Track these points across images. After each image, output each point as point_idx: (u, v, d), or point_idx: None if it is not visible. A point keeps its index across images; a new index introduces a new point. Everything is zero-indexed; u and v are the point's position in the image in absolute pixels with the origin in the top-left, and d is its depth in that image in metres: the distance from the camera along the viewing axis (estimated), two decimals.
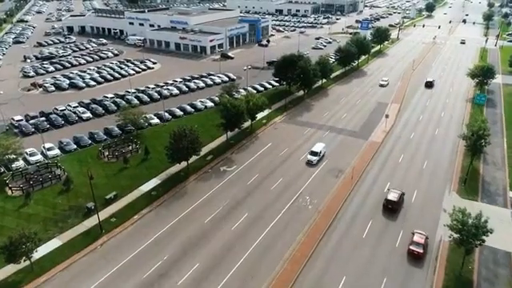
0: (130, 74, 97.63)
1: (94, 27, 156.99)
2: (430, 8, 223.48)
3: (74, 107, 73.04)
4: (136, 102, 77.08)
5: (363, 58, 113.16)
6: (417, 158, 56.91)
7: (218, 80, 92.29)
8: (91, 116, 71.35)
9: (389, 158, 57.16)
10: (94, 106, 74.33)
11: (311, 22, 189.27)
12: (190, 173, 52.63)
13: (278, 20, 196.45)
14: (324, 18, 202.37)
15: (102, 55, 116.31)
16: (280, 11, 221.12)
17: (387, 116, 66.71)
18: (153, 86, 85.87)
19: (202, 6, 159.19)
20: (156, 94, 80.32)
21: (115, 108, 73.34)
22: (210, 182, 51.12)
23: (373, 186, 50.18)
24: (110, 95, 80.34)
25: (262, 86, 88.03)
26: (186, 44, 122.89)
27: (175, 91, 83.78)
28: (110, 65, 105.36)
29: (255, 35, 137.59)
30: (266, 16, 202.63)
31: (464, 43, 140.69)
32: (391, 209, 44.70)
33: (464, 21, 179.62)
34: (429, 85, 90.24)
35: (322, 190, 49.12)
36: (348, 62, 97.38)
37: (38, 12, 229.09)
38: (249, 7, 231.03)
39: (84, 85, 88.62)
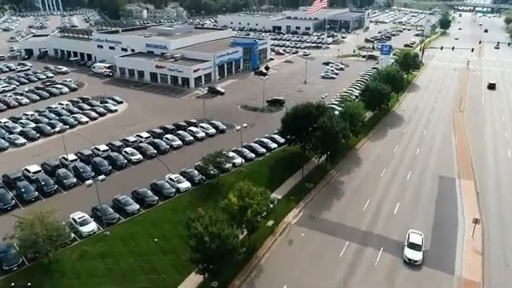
0: (79, 122, 71.12)
1: (58, 50, 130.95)
2: (444, 24, 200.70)
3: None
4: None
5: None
6: None
7: (200, 133, 65.83)
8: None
9: None
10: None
11: (315, 42, 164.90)
12: None
13: (276, 39, 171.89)
14: (328, 36, 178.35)
15: (54, 90, 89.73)
16: (278, 28, 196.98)
17: (476, 221, 40.26)
18: (104, 148, 59.04)
19: (186, 26, 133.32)
20: (105, 165, 53.75)
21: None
22: None
23: None
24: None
25: (262, 144, 61.62)
26: (163, 74, 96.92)
27: (135, 157, 57.06)
28: (60, 106, 78.87)
29: (251, 61, 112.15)
30: (264, 35, 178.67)
31: (493, 88, 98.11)
32: None
33: (498, 43, 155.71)
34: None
35: None
36: (379, 105, 71.68)
37: (5, 29, 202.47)
38: (243, 24, 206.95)
39: (6, 144, 61.73)
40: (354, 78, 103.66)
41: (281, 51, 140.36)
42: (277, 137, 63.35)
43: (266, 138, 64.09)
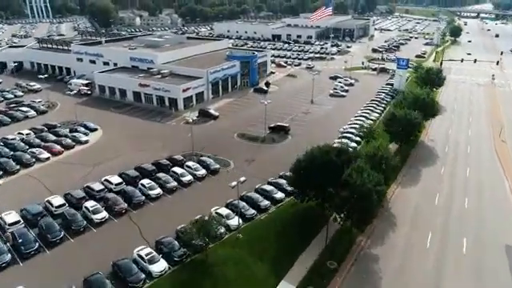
0: (38, 160, 57.43)
1: (34, 63, 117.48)
2: (455, 33, 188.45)
3: None
4: None
5: None
6: None
7: (186, 177, 52.03)
8: None
9: None
10: None
11: (318, 51, 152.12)
12: None
13: (275, 48, 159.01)
14: (332, 46, 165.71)
15: (17, 114, 76.03)
16: (278, 37, 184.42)
17: None
18: (59, 203, 45.08)
19: (177, 36, 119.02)
20: (55, 230, 40.04)
21: None
22: None
23: None
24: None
25: (264, 193, 47.98)
26: (148, 94, 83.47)
27: (98, 215, 43.21)
28: (19, 137, 65.13)
29: (249, 76, 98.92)
30: (263, 44, 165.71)
31: None
32: None
33: None
34: None
35: None
36: (407, 137, 58.17)
37: None
38: (240, 32, 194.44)
39: None
40: (367, 96, 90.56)
41: (282, 63, 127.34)
42: (282, 181, 49.85)
43: (270, 182, 50.51)
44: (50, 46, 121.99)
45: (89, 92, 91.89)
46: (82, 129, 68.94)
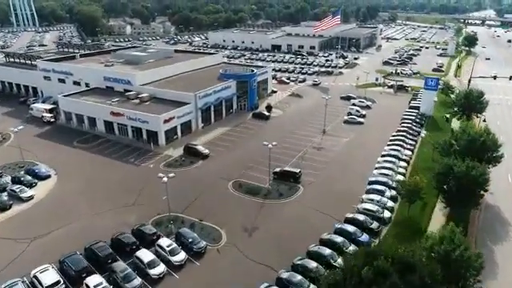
0: None
1: None
2: (470, 42, 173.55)
3: None
4: None
5: None
6: None
7: (157, 267, 35.62)
8: None
9: None
10: None
11: (323, 64, 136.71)
12: None
13: (275, 60, 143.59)
14: (338, 57, 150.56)
15: None
16: (278, 47, 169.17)
17: None
18: None
19: (163, 51, 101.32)
20: None
21: None
22: None
23: None
24: None
25: None
26: (122, 125, 67.25)
27: None
28: None
29: (247, 99, 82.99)
30: (261, 55, 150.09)
31: None
32: None
33: None
34: None
35: None
36: (469, 200, 41.78)
37: None
38: (237, 42, 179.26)
39: None
40: (389, 123, 74.84)
41: (284, 79, 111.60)
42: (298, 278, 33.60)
43: (281, 279, 34.17)
44: (18, 60, 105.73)
45: (52, 119, 75.66)
46: (29, 177, 52.50)
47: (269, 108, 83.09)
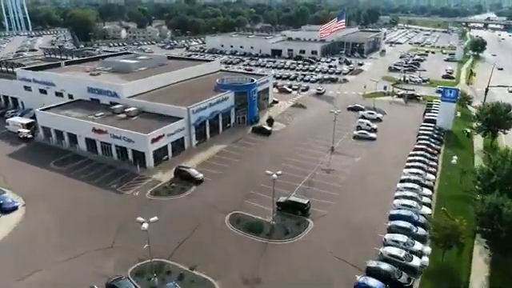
0: None
1: None
2: (478, 47, 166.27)
3: None
4: None
5: None
6: None
7: None
8: None
9: None
10: None
11: (326, 71, 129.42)
12: None
13: (275, 66, 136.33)
14: (341, 63, 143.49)
15: None
16: (278, 52, 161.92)
17: None
18: None
19: (156, 57, 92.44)
20: None
21: None
22: None
23: None
24: None
25: None
26: (106, 143, 59.59)
27: None
28: None
29: (247, 111, 75.46)
30: (261, 61, 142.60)
31: None
32: None
33: None
34: None
35: None
36: None
37: None
38: (235, 46, 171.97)
39: None
40: (404, 139, 67.69)
41: (286, 88, 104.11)
42: None
43: None
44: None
45: (30, 136, 67.97)
46: None
47: (270, 121, 75.60)
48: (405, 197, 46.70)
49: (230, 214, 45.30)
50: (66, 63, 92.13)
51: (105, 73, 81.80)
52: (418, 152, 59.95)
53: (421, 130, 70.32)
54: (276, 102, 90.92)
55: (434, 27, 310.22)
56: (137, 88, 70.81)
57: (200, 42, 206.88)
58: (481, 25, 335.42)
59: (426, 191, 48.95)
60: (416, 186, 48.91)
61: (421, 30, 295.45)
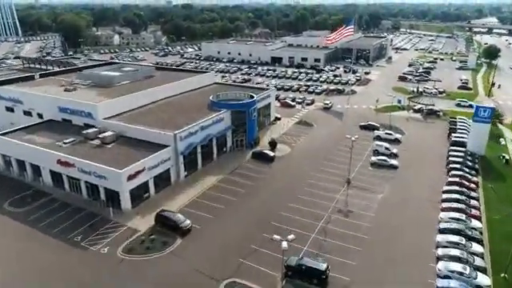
0: None
1: None
2: (491, 54, 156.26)
3: None
4: None
5: None
6: None
7: None
8: None
9: None
10: None
11: (331, 80, 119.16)
12: None
13: (276, 75, 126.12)
14: (346, 71, 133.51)
15: None
16: (278, 60, 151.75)
17: None
18: None
19: (142, 69, 79.70)
20: None
21: None
22: None
23: None
24: None
25: None
26: (73, 179, 48.81)
27: None
28: None
29: (246, 133, 64.82)
30: (260, 69, 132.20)
31: None
32: None
33: None
34: None
35: None
36: None
37: None
38: (233, 53, 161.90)
39: None
40: (432, 167, 57.58)
41: (289, 101, 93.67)
42: None
43: None
44: None
45: None
46: None
47: (273, 144, 65.00)
48: (450, 257, 36.11)
49: (225, 284, 34.56)
50: (41, 75, 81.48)
51: (83, 87, 71.14)
52: (453, 187, 49.41)
53: (450, 155, 59.78)
54: (278, 119, 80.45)
55: (437, 32, 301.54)
56: (116, 107, 60.10)
57: (196, 48, 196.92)
58: (483, 29, 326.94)
59: (476, 247, 38.33)
60: (462, 241, 38.29)
61: (424, 35, 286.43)
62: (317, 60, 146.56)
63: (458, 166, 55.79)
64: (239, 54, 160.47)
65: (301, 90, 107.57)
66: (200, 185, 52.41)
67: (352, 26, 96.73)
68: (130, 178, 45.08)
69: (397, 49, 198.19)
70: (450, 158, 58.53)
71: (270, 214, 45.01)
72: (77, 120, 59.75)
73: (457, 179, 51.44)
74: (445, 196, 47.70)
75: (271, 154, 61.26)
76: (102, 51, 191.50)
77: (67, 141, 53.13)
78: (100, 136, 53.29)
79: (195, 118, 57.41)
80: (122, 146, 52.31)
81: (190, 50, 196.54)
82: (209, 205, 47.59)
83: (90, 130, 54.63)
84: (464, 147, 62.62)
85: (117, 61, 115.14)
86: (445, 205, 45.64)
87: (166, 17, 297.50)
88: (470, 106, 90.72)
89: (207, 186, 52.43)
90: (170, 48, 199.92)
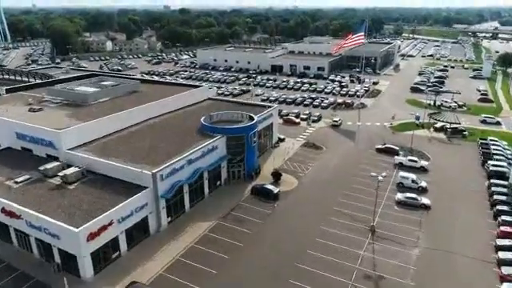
0: None
1: None
2: (507, 61, 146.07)
3: None
4: None
5: None
6: None
7: None
8: None
9: None
10: None
11: (338, 92, 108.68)
12: None
13: (277, 86, 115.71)
14: (352, 81, 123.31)
15: None
16: (279, 68, 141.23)
17: None
18: None
19: (121, 85, 66.62)
20: None
21: None
22: None
23: None
24: None
25: None
26: (22, 233, 37.83)
27: None
28: None
29: (244, 162, 53.95)
30: (259, 78, 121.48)
31: None
32: None
33: None
34: None
35: None
36: None
37: None
38: (230, 61, 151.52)
39: None
40: (470, 205, 47.03)
41: (293, 118, 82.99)
42: None
43: None
44: None
45: None
46: None
47: (276, 175, 54.22)
48: None
49: None
50: (8, 90, 70.57)
51: (52, 106, 60.27)
52: (509, 242, 38.62)
53: (493, 192, 48.98)
54: (282, 140, 69.71)
55: (441, 37, 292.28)
56: (86, 133, 49.17)
57: (192, 55, 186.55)
58: (487, 34, 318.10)
59: None
60: None
61: (428, 40, 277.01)
62: (320, 68, 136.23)
63: (505, 207, 45.08)
64: (237, 61, 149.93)
65: (305, 103, 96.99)
66: (186, 236, 41.43)
67: (363, 32, 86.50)
68: (92, 236, 34.09)
69: (403, 55, 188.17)
70: (495, 197, 47.74)
71: (274, 281, 34.23)
72: (37, 150, 48.88)
73: (506, 229, 40.65)
74: (502, 255, 36.88)
75: (275, 190, 50.33)
76: (91, 58, 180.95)
77: (19, 179, 42.22)
78: (60, 174, 42.31)
79: (182, 148, 46.65)
80: (87, 188, 41.30)
81: (185, 56, 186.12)
82: (195, 268, 36.64)
83: (49, 166, 43.63)
84: (506, 179, 51.96)
85: (100, 72, 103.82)
86: (505, 270, 34.82)
87: (161, 22, 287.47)
88: (498, 123, 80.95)
89: (195, 237, 41.44)
90: (163, 55, 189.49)
